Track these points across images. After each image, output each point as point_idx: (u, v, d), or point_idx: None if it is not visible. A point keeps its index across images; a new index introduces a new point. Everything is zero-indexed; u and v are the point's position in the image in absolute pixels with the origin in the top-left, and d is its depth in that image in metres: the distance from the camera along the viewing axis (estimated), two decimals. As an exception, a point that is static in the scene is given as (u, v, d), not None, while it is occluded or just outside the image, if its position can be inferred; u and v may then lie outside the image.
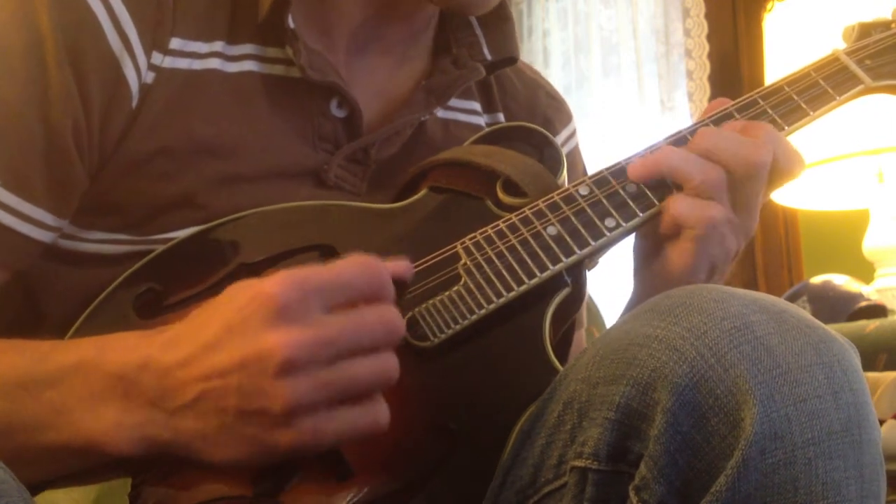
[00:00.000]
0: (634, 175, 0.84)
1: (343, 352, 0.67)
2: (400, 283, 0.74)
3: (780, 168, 0.84)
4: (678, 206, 0.82)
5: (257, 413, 0.66)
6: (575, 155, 1.08)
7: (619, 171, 0.85)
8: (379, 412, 0.69)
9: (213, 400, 0.67)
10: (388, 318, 0.69)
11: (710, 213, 0.81)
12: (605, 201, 0.84)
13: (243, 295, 0.68)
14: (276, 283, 0.67)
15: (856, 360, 0.67)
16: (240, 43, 0.89)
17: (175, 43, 0.85)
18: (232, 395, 0.66)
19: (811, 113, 0.90)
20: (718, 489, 0.62)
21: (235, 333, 0.66)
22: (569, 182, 1.03)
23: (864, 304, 2.27)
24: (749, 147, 0.83)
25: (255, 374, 0.65)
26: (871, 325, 1.94)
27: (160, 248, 0.83)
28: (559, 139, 1.06)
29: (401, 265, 0.76)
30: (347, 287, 0.69)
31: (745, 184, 0.82)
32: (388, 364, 0.69)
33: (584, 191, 0.85)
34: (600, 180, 0.85)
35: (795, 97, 0.89)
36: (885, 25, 0.97)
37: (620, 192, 0.84)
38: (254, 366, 0.65)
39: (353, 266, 0.70)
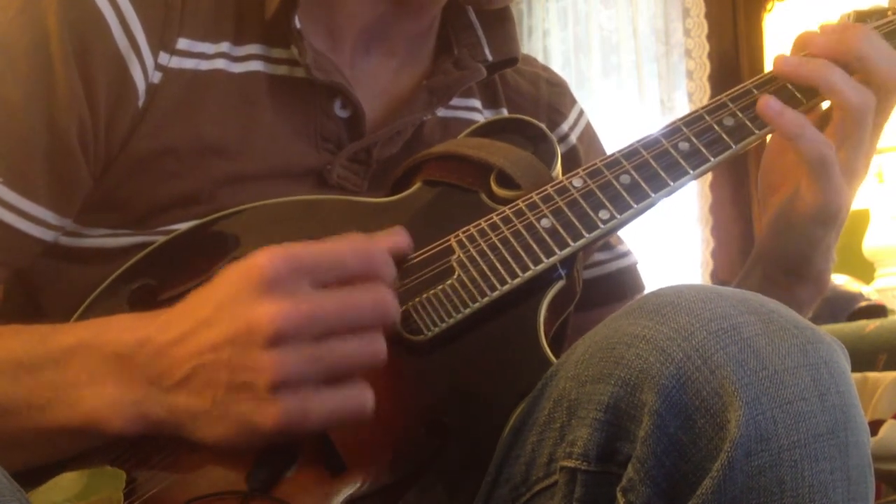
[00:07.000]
0: (786, 68, 0.84)
1: (331, 328, 0.67)
2: (399, 257, 0.75)
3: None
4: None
5: (245, 387, 0.66)
6: (590, 131, 1.08)
7: (613, 163, 0.85)
8: (365, 397, 0.69)
9: (205, 375, 0.67)
10: (380, 298, 0.69)
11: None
12: (599, 193, 0.83)
13: (235, 270, 0.69)
14: (265, 257, 0.67)
15: (844, 361, 0.66)
16: (245, 43, 0.89)
17: (182, 43, 0.86)
18: (223, 370, 0.67)
19: (805, 102, 0.88)
20: (704, 491, 0.62)
21: (226, 308, 0.67)
22: (590, 158, 1.03)
23: (864, 304, 2.27)
24: None
25: (244, 346, 0.66)
26: (870, 325, 1.94)
27: (156, 242, 0.83)
28: (569, 122, 1.06)
29: (397, 238, 0.77)
30: (339, 264, 0.69)
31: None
32: (375, 345, 0.69)
33: (577, 182, 0.84)
34: (594, 171, 0.84)
35: (790, 86, 0.88)
36: (881, 13, 0.96)
37: (615, 184, 0.83)
38: (242, 338, 0.66)
39: (347, 245, 0.70)
